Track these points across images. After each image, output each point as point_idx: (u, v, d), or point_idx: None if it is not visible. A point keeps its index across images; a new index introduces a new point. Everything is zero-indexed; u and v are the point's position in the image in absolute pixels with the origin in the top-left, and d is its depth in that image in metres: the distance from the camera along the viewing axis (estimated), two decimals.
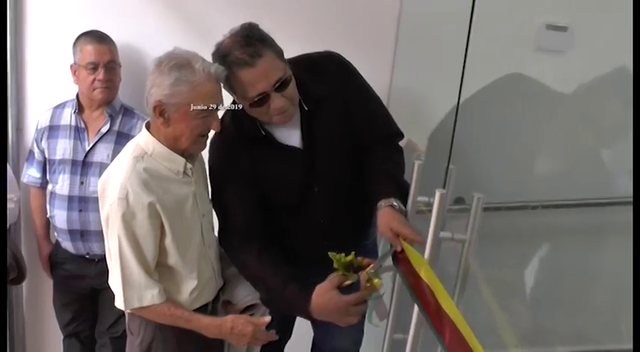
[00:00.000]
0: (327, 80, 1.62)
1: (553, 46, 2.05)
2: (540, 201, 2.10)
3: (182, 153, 1.56)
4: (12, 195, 2.23)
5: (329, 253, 1.45)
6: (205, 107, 1.47)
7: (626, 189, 1.79)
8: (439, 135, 2.14)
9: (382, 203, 1.54)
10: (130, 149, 1.57)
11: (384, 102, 1.78)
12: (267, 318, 1.65)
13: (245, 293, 1.71)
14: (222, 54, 1.49)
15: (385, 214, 1.52)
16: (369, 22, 2.12)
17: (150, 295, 1.54)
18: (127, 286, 1.54)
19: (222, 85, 1.52)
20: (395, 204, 1.53)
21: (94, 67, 2.07)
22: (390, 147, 1.71)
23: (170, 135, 1.52)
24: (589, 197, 2.07)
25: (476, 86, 2.01)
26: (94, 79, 2.08)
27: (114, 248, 1.53)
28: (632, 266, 1.25)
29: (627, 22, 1.66)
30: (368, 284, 1.44)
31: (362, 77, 1.69)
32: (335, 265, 1.46)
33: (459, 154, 1.59)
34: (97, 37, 2.09)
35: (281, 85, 1.50)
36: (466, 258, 1.43)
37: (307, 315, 1.53)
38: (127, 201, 1.48)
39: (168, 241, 1.55)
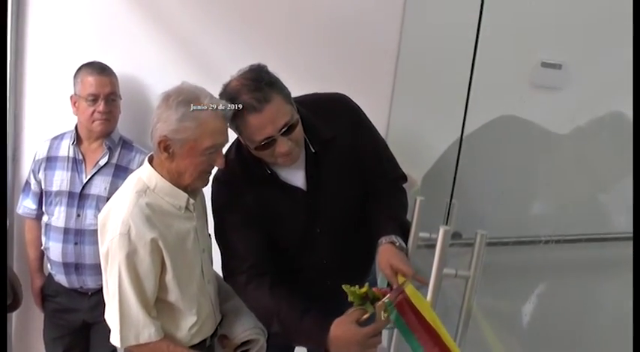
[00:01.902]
0: (335, 122, 1.62)
1: (548, 83, 2.09)
2: (537, 236, 2.11)
3: (185, 188, 1.55)
4: None
5: (343, 286, 1.44)
6: (211, 144, 1.46)
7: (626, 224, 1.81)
8: (434, 172, 2.16)
9: (383, 240, 1.55)
10: (131, 183, 1.55)
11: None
12: None
13: (242, 329, 1.69)
14: (229, 97, 1.48)
15: (385, 251, 1.53)
16: (368, 61, 2.15)
17: (147, 333, 1.52)
18: (124, 323, 1.51)
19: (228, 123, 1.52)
20: (395, 241, 1.54)
21: (95, 99, 2.07)
22: (393, 189, 1.72)
23: (174, 170, 1.51)
24: (588, 232, 2.09)
25: (472, 123, 2.03)
26: (94, 111, 2.08)
27: (113, 283, 1.50)
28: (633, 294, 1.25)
29: (621, 61, 1.70)
30: (385, 315, 1.42)
31: (369, 120, 1.70)
32: (350, 298, 1.45)
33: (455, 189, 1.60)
34: (98, 68, 2.10)
35: (287, 130, 1.49)
36: (469, 295, 1.43)
37: (324, 346, 1.49)
38: (129, 236, 1.46)
39: (169, 277, 1.53)
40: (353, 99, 1.70)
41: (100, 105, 2.07)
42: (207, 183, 1.58)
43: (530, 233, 2.12)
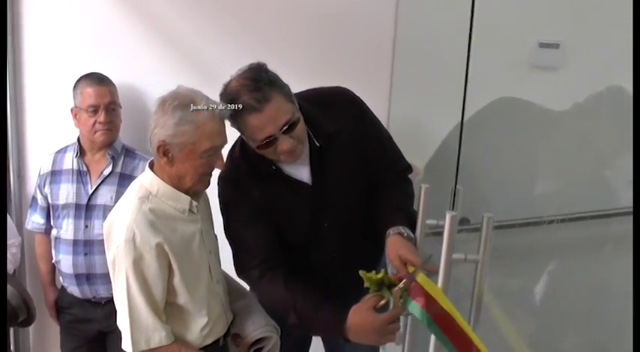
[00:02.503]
0: (338, 116, 1.62)
1: (546, 63, 2.08)
2: (543, 216, 2.10)
3: (187, 192, 1.55)
4: (13, 240, 2.22)
5: (360, 272, 1.44)
6: (210, 147, 1.46)
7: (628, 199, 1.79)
8: (437, 159, 2.15)
9: (390, 231, 1.55)
10: (134, 190, 1.56)
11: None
12: None
13: (254, 327, 1.69)
14: (229, 98, 1.48)
15: (393, 242, 1.53)
16: (364, 52, 2.14)
17: (158, 337, 1.52)
18: (134, 328, 1.51)
19: (229, 123, 1.51)
20: (403, 231, 1.54)
21: (95, 110, 2.08)
22: (399, 180, 1.72)
23: (174, 174, 1.52)
24: (593, 209, 2.08)
25: (472, 106, 2.03)
26: (95, 122, 2.09)
27: (121, 290, 1.51)
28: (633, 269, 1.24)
29: (618, 38, 1.68)
30: (402, 300, 1.41)
31: (372, 113, 1.69)
32: (366, 284, 1.45)
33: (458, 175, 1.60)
34: (96, 79, 2.11)
35: (289, 128, 1.49)
36: (480, 278, 1.42)
37: (343, 336, 1.49)
38: (134, 242, 1.46)
39: (177, 280, 1.53)
40: (351, 88, 1.68)
41: (101, 116, 2.08)
42: (209, 185, 1.58)
43: (536, 213, 2.11)
